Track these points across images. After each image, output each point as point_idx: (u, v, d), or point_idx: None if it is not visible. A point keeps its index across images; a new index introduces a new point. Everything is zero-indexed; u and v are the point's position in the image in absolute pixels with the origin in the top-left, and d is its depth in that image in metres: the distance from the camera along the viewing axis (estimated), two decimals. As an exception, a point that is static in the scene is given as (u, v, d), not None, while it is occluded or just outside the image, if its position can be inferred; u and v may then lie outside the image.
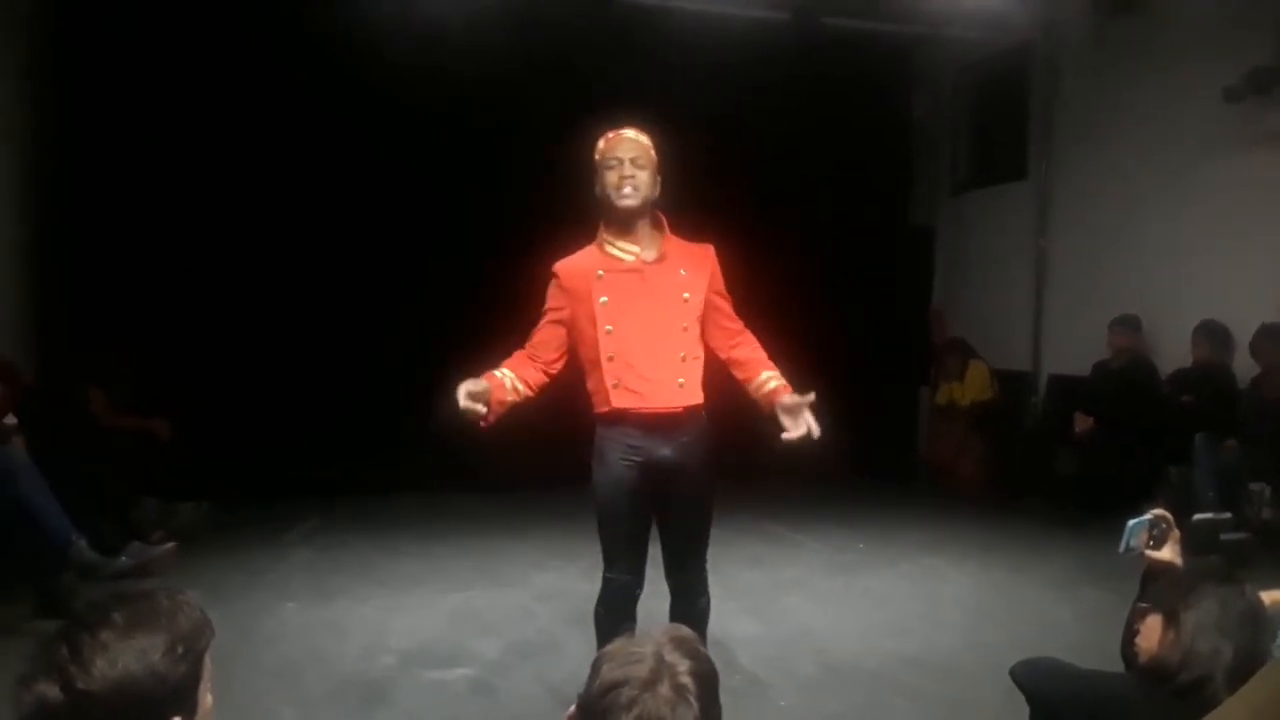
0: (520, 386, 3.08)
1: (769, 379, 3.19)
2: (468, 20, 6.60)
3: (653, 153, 3.13)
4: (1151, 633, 2.27)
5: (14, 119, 6.28)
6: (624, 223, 3.10)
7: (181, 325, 6.77)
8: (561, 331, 3.15)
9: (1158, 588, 2.36)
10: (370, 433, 7.08)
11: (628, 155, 3.07)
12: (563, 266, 3.16)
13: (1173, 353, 6.68)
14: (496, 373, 3.07)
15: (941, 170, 9.26)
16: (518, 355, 3.16)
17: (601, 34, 7.15)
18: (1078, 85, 7.78)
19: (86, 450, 5.47)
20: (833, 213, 8.21)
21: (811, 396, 3.05)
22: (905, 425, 8.96)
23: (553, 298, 3.16)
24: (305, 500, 6.63)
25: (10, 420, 4.84)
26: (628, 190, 3.04)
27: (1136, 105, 7.18)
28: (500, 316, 6.65)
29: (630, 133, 3.13)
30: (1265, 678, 1.78)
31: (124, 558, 4.89)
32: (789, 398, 3.08)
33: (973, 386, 8.20)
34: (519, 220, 7.09)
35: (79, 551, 4.56)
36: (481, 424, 2.97)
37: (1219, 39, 6.45)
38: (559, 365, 3.18)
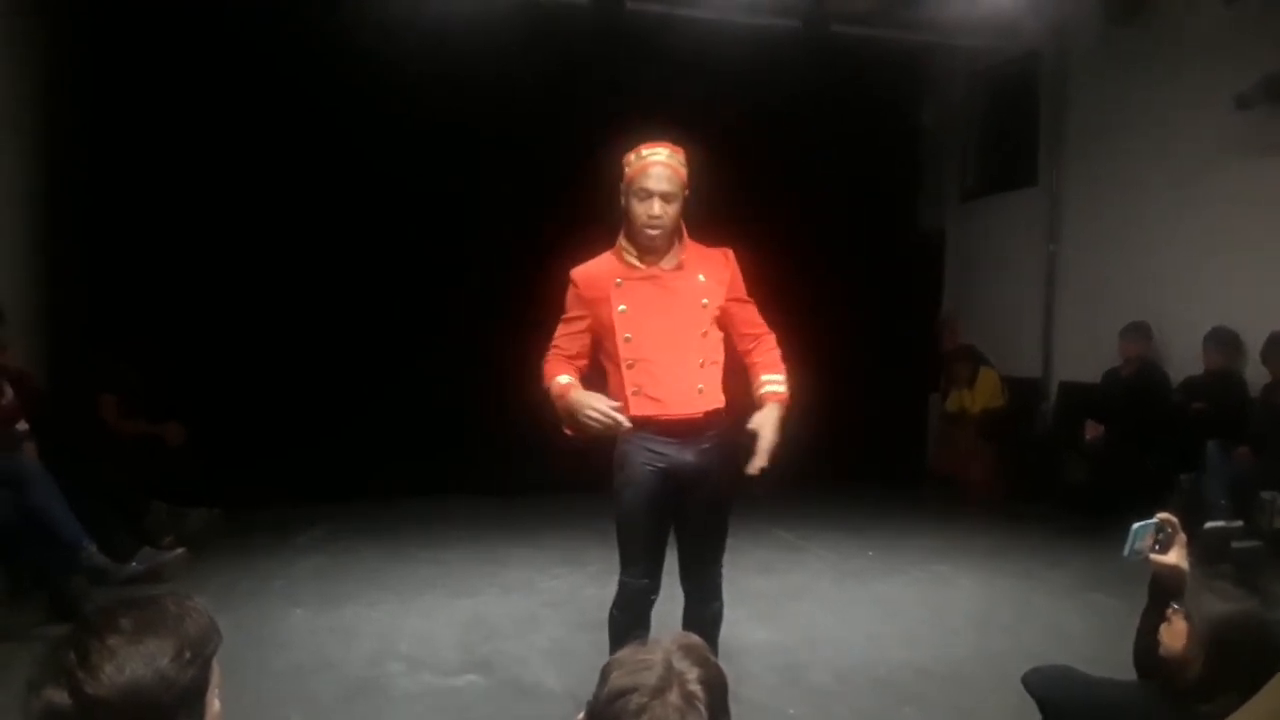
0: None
1: (764, 383, 3.19)
2: (480, 29, 6.62)
3: (683, 172, 3.10)
4: (1177, 636, 2.27)
5: (28, 128, 6.30)
6: (646, 244, 3.11)
7: (192, 332, 6.79)
8: (585, 337, 3.16)
9: (1187, 591, 2.35)
10: (379, 439, 7.09)
11: (659, 189, 3.03)
12: (581, 274, 3.16)
13: (1184, 360, 6.66)
14: (570, 379, 3.09)
15: (951, 177, 9.25)
16: (557, 359, 3.15)
17: (611, 42, 7.16)
18: (1088, 92, 7.77)
19: (98, 456, 5.50)
20: (842, 219, 8.21)
21: (766, 436, 3.02)
22: (915, 432, 8.93)
23: (572, 305, 3.17)
24: (314, 506, 6.65)
25: (22, 427, 4.87)
26: (654, 233, 3.06)
27: (1147, 112, 7.16)
28: (509, 325, 6.72)
29: (663, 155, 3.08)
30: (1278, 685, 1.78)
31: (135, 563, 4.91)
32: (755, 420, 3.06)
33: (983, 394, 8.19)
34: (531, 230, 7.11)
35: (90, 556, 4.59)
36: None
37: (1229, 46, 6.43)
38: (586, 363, 3.20)
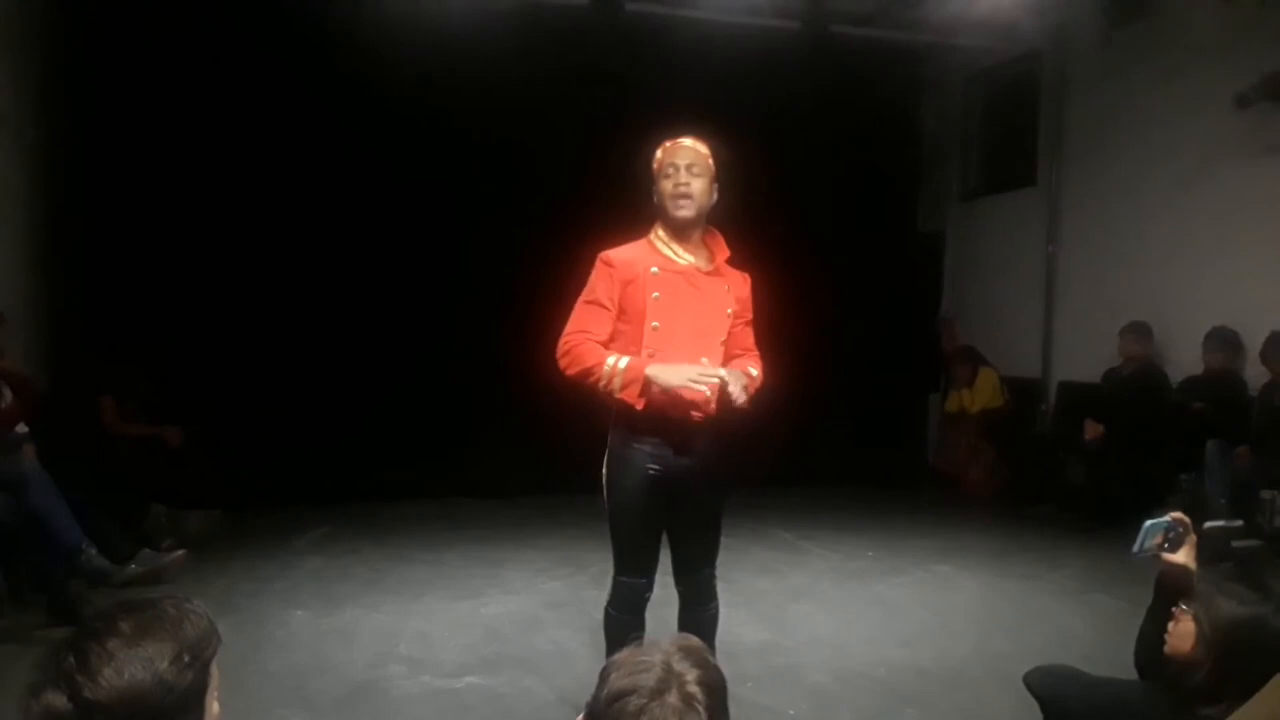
0: None
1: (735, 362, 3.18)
2: (480, 29, 6.63)
3: (710, 161, 3.16)
4: (1185, 637, 2.27)
5: (28, 128, 6.31)
6: (679, 230, 3.12)
7: (192, 334, 6.79)
8: (612, 324, 3.08)
9: (1196, 592, 2.35)
10: (379, 441, 7.09)
11: (684, 162, 3.09)
12: (617, 256, 3.13)
13: (1184, 360, 6.66)
14: (619, 358, 2.99)
15: (951, 177, 9.25)
16: (589, 343, 3.03)
17: (611, 43, 7.16)
18: (1087, 92, 7.77)
19: (97, 459, 5.50)
20: (843, 220, 8.21)
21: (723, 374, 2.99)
22: (915, 432, 8.94)
23: (603, 287, 3.09)
24: (314, 508, 6.64)
25: (22, 429, 4.86)
26: (683, 202, 3.07)
27: (1146, 112, 7.17)
28: (509, 327, 6.72)
29: (687, 141, 3.16)
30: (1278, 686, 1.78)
31: (134, 565, 4.91)
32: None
33: (982, 394, 8.19)
34: (531, 232, 7.11)
35: (89, 559, 4.59)
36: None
37: (1229, 46, 6.43)
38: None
